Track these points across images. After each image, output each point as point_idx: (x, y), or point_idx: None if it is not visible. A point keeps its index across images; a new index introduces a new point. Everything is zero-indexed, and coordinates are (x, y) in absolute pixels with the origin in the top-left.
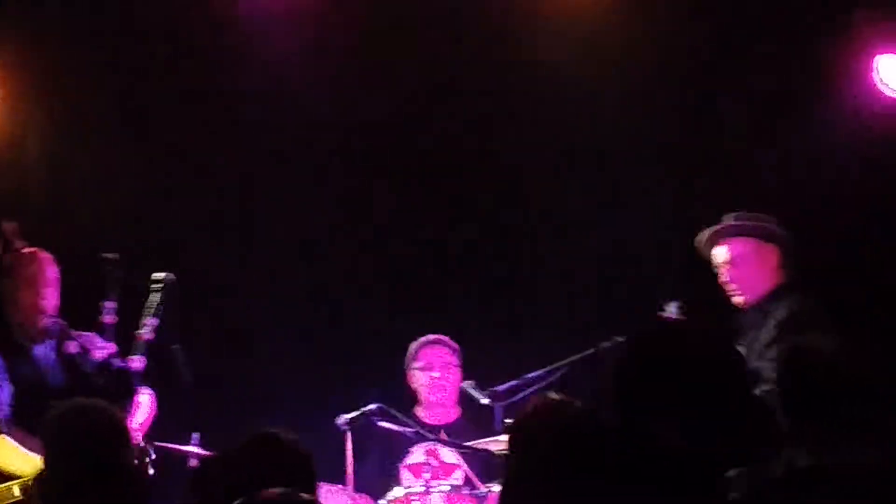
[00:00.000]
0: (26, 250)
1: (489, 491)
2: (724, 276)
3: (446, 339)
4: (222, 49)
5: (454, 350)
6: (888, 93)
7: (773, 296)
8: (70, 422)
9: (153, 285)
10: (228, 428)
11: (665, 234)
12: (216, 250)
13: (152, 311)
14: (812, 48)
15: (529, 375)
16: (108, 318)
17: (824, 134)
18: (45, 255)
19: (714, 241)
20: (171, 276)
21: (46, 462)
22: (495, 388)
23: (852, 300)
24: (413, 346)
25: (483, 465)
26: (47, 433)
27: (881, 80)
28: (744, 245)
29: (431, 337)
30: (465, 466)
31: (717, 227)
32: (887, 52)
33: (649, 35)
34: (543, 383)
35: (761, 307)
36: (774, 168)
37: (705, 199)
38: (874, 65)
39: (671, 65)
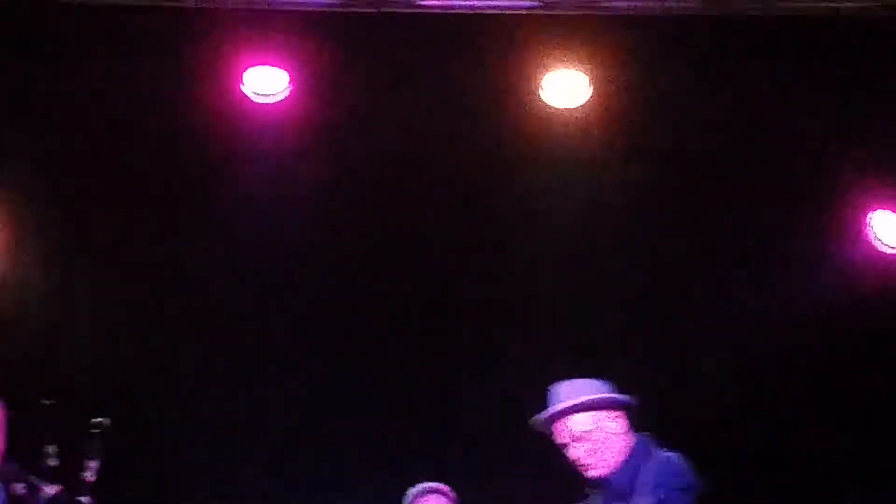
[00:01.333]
0: None
1: None
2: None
3: (444, 487)
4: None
5: (451, 500)
6: (883, 248)
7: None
8: None
9: (92, 430)
10: None
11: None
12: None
13: (94, 453)
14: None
15: None
16: (52, 462)
17: (821, 291)
18: None
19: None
20: (108, 420)
21: None
22: None
23: None
24: (410, 492)
25: None
26: None
27: (875, 237)
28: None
29: (428, 485)
30: None
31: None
32: (880, 209)
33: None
34: None
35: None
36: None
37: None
38: (868, 222)
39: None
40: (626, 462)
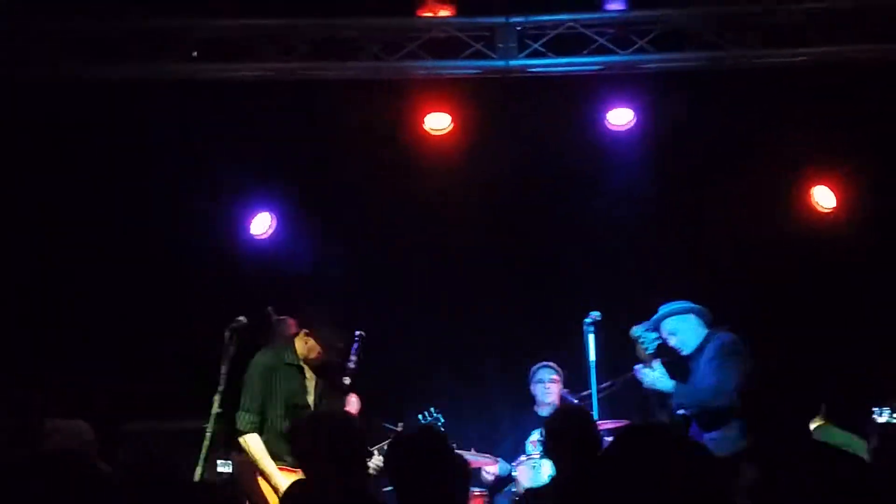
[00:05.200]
0: None
1: None
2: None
3: (553, 364)
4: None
5: (558, 372)
6: (820, 209)
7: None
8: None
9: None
10: None
11: None
12: None
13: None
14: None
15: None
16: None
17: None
18: None
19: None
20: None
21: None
22: (581, 394)
23: None
24: (533, 368)
25: None
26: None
27: (817, 203)
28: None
29: (543, 362)
30: None
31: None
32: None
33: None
34: (607, 392)
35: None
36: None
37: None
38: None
39: None
40: (700, 345)
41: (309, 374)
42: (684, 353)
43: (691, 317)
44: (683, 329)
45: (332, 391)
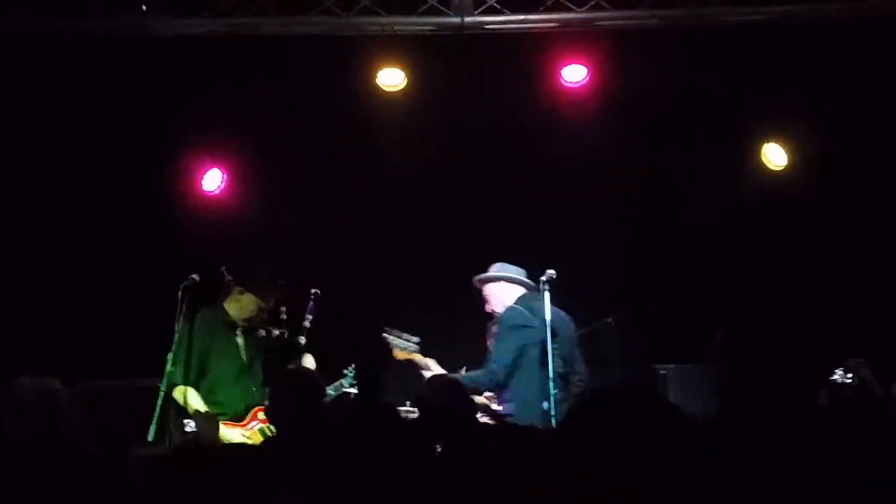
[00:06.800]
0: None
1: None
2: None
3: None
4: None
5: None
6: (770, 167)
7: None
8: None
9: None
10: None
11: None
12: None
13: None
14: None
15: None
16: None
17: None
18: None
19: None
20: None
21: None
22: None
23: None
24: None
25: None
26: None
27: (770, 161)
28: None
29: None
30: None
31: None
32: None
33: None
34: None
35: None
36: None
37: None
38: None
39: None
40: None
41: (239, 334)
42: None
43: (502, 284)
44: (491, 295)
45: (263, 350)
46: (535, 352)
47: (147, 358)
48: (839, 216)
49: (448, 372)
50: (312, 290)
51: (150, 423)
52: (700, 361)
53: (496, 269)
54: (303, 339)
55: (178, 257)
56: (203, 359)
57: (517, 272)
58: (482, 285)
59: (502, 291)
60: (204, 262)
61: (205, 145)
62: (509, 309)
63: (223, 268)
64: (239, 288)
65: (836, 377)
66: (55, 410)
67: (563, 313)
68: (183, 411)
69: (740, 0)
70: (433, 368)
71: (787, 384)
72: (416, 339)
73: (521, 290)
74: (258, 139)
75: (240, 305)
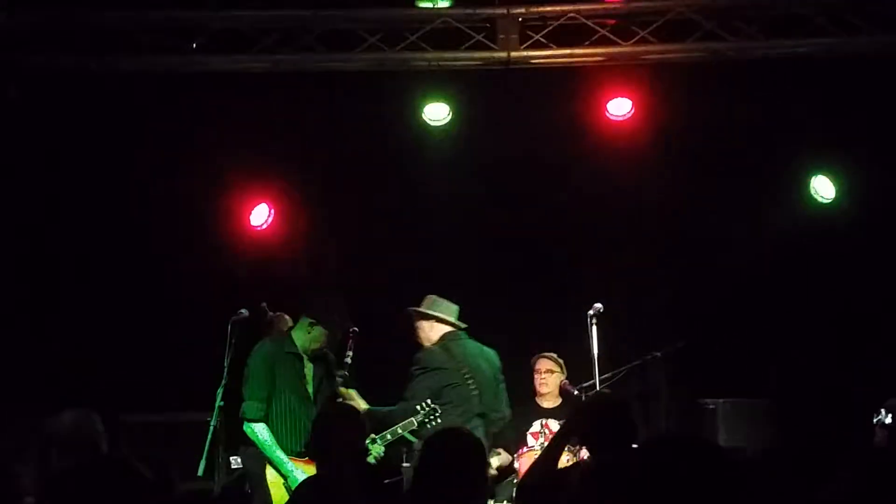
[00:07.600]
0: None
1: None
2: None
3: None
4: None
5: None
6: (819, 199)
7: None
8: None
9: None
10: None
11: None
12: None
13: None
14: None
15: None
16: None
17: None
18: None
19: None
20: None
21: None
22: (582, 385)
23: None
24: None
25: None
26: None
27: (818, 193)
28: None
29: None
30: None
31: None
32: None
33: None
34: (609, 383)
35: None
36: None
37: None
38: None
39: None
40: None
41: (307, 363)
42: None
43: (432, 322)
44: (420, 329)
45: (329, 380)
46: (451, 393)
47: (195, 392)
48: (889, 248)
49: (370, 406)
50: (351, 329)
51: (197, 457)
52: (750, 396)
53: (428, 303)
54: (344, 374)
55: (227, 291)
56: (269, 391)
57: (447, 310)
58: (415, 318)
59: (431, 328)
60: (251, 297)
61: (252, 180)
62: (427, 351)
63: (263, 304)
64: (310, 320)
65: (880, 417)
66: (98, 445)
67: (489, 351)
68: (230, 447)
69: (785, 33)
70: (357, 401)
71: (843, 420)
72: (341, 371)
73: (446, 329)
74: (305, 174)
75: (311, 336)
